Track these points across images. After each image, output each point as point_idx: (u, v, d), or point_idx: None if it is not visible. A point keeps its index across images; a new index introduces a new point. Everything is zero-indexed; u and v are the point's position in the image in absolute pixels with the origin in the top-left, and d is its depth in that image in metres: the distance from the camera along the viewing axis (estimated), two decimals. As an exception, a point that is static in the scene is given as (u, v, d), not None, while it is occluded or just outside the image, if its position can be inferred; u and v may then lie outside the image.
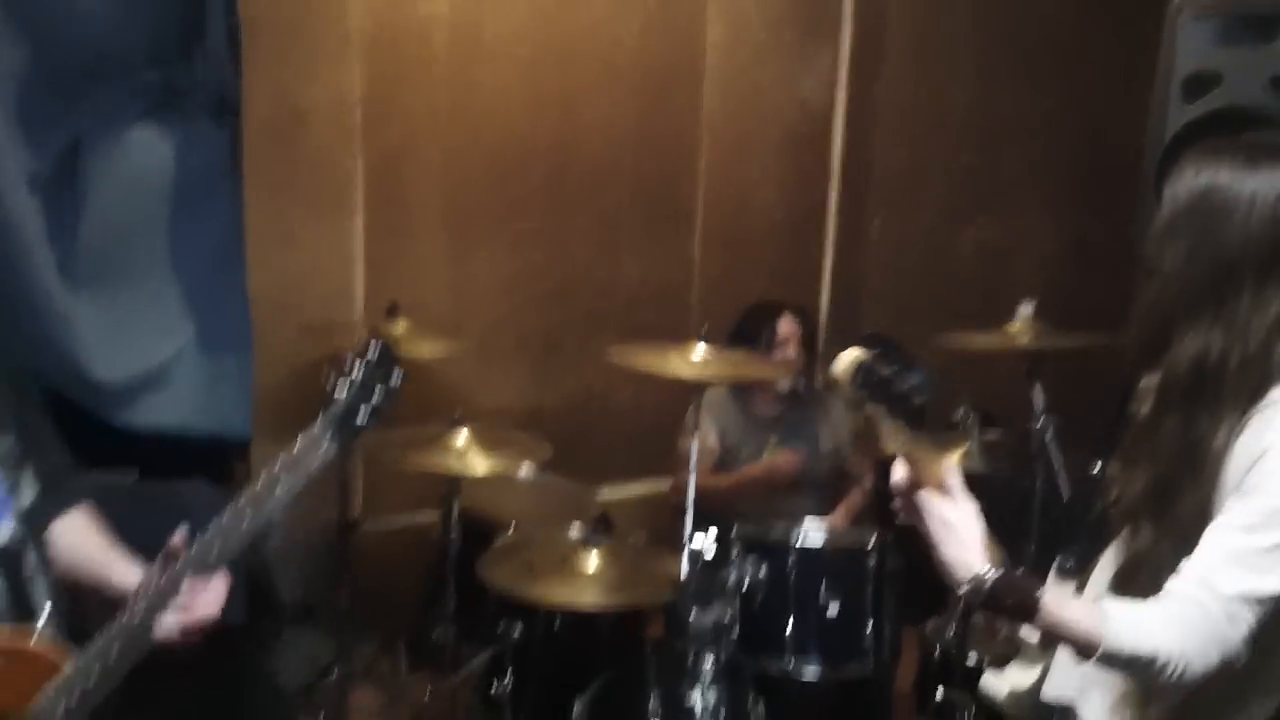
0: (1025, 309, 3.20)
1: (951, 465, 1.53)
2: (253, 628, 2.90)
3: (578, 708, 2.70)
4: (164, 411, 2.94)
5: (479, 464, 2.93)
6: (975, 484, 3.39)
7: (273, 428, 3.28)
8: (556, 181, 3.93)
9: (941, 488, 1.51)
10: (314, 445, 1.57)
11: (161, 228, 2.90)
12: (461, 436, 2.96)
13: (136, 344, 2.89)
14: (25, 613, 1.48)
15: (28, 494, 1.54)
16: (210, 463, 3.04)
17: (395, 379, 1.66)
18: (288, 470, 1.55)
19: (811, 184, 4.49)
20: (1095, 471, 2.27)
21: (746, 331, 3.47)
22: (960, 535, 1.49)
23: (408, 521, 3.47)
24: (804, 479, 3.48)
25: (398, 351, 1.69)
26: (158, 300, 2.92)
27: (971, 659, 2.73)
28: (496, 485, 3.45)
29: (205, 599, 1.53)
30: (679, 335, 3.11)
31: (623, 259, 4.12)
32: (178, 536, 1.53)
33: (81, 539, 1.65)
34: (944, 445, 3.29)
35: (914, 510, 1.52)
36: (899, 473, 1.51)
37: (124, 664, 1.47)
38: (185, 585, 1.50)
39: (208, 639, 1.57)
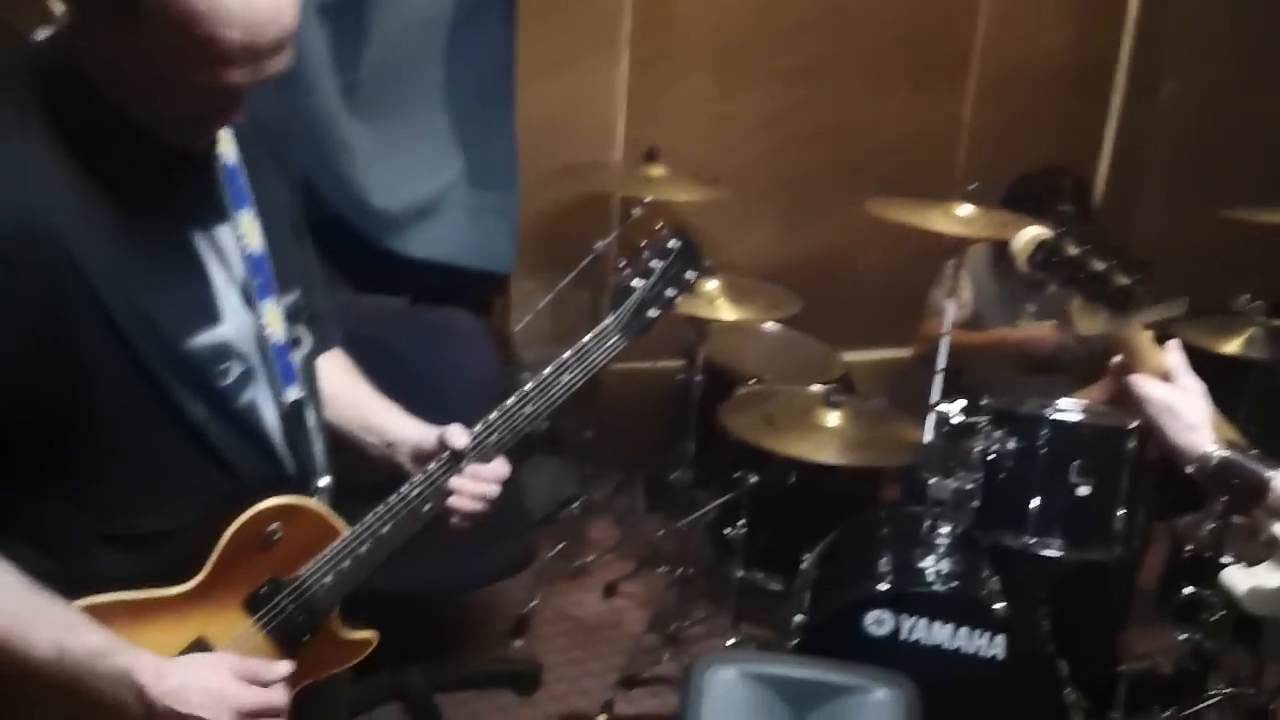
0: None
1: (1173, 346, 1.44)
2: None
3: (808, 560, 2.73)
4: (433, 242, 3.07)
5: (727, 313, 2.95)
6: (1255, 371, 3.17)
7: (528, 263, 3.39)
8: (825, 19, 3.80)
9: (1161, 373, 1.43)
10: (603, 340, 1.52)
11: (438, 60, 2.97)
12: (712, 284, 2.98)
13: (411, 174, 3.01)
14: (306, 475, 1.43)
15: (305, 346, 1.45)
16: (471, 295, 3.16)
17: (692, 274, 1.58)
18: (575, 362, 1.50)
19: (1102, 35, 4.15)
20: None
21: (1018, 197, 3.29)
22: (1184, 418, 1.43)
23: (654, 365, 3.54)
24: (1060, 359, 3.33)
25: (701, 248, 1.59)
26: (432, 132, 3.02)
27: (1227, 559, 2.59)
28: (742, 337, 3.47)
29: (484, 483, 1.48)
30: (939, 192, 2.98)
31: (888, 105, 3.96)
32: (459, 432, 1.47)
33: (339, 385, 1.56)
34: (1220, 330, 3.06)
35: (1130, 397, 1.45)
36: (1115, 359, 1.45)
37: (394, 540, 1.43)
38: (463, 470, 1.46)
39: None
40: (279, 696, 1.31)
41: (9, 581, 1.22)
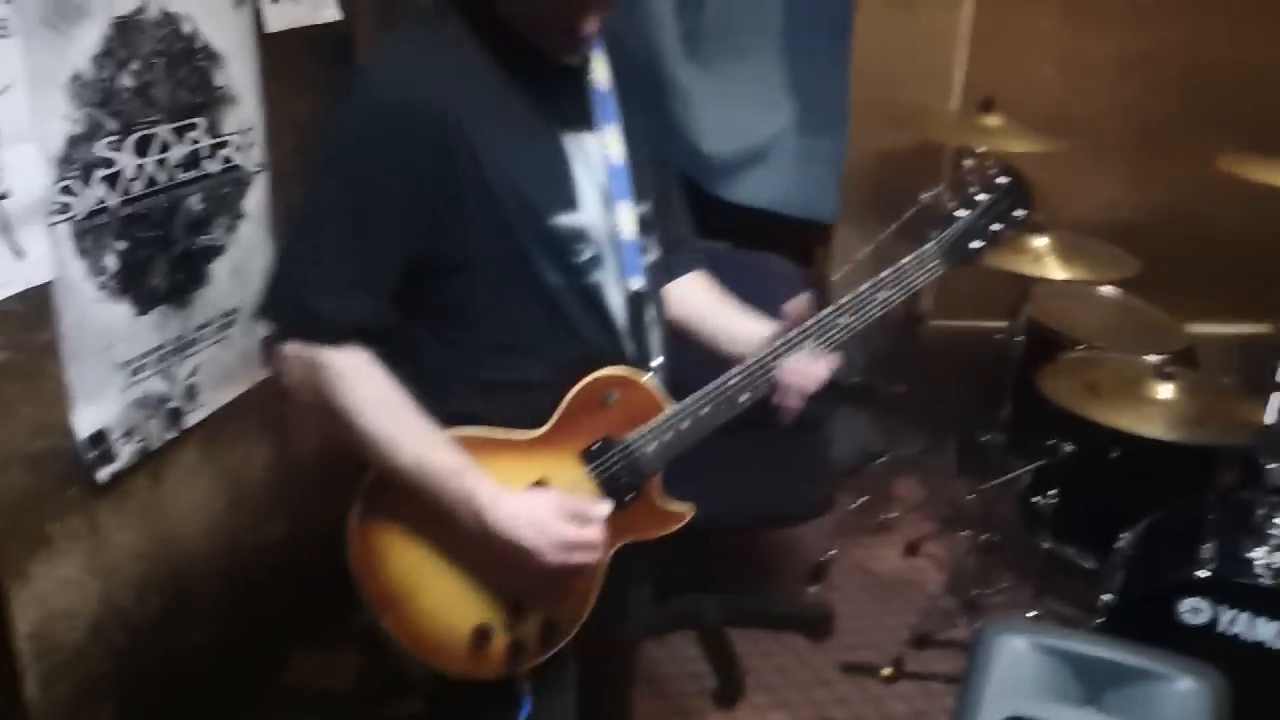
0: None
1: None
2: (813, 399, 3.07)
3: (1124, 538, 2.58)
4: (760, 188, 3.10)
5: (1056, 271, 2.81)
6: None
7: (851, 212, 3.36)
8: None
9: None
10: (921, 264, 1.57)
11: (777, 5, 2.98)
12: (1042, 241, 2.84)
13: (743, 120, 3.05)
14: (642, 356, 1.59)
15: (652, 255, 1.62)
16: (793, 242, 3.18)
17: (1020, 213, 1.60)
18: (892, 282, 1.56)
19: None
20: None
21: None
22: None
23: (974, 323, 3.43)
24: None
25: (1030, 188, 1.61)
26: (766, 78, 3.03)
27: None
28: (1071, 299, 3.30)
29: (802, 377, 1.57)
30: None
31: (1266, 49, 3.57)
32: (796, 303, 1.57)
33: (699, 297, 1.74)
34: None
35: None
36: None
37: (712, 421, 1.56)
38: (780, 365, 1.56)
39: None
40: (596, 535, 1.48)
41: (392, 399, 1.45)
